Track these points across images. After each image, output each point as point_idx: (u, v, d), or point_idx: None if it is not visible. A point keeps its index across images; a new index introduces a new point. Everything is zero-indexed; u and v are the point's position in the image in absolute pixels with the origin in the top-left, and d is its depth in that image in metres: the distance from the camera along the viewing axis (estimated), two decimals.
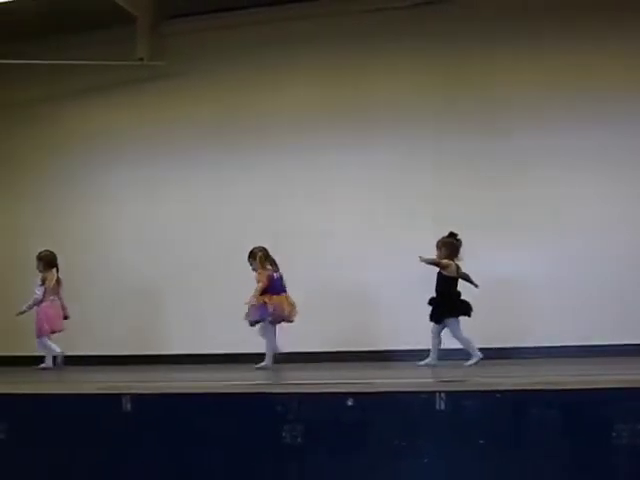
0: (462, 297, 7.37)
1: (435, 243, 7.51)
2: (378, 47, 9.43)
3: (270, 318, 7.71)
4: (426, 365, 7.23)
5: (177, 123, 10.06)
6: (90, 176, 10.51)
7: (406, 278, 8.72)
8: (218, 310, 9.23)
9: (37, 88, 10.71)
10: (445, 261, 7.36)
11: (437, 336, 7.32)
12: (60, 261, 8.84)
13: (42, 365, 8.42)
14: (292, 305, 7.82)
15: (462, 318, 7.31)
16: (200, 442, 4.74)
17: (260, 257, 7.86)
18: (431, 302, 7.37)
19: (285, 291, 7.85)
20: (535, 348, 8.54)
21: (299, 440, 4.58)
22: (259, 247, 7.97)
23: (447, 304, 7.32)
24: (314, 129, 9.57)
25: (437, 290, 7.40)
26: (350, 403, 4.58)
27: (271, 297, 7.74)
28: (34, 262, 8.76)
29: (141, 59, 10.07)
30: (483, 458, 4.44)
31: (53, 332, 8.57)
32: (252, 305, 7.69)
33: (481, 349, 7.25)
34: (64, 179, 10.61)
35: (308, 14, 9.68)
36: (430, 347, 7.35)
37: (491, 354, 7.46)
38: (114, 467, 4.89)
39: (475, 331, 7.34)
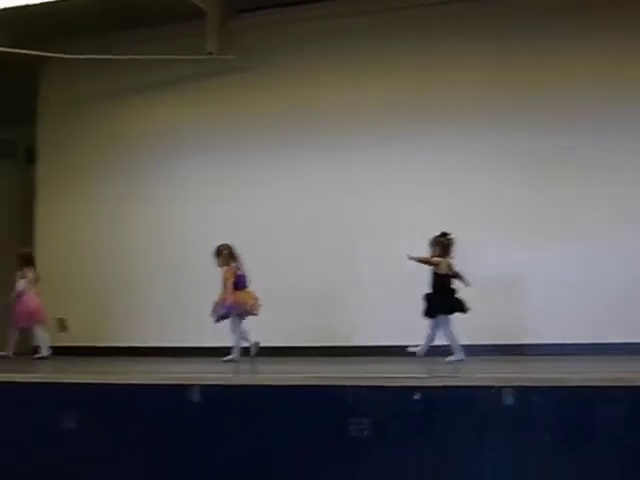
0: (457, 295, 7.56)
1: (429, 241, 7.71)
2: (443, 42, 9.34)
3: (235, 312, 8.06)
4: (414, 351, 7.53)
5: (245, 118, 10.09)
6: (156, 171, 10.61)
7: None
8: (286, 302, 9.26)
9: (106, 83, 10.86)
10: (435, 259, 7.59)
11: (433, 330, 7.54)
12: (123, 257, 9.43)
13: (37, 355, 9.06)
14: (255, 299, 8.14)
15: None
16: (266, 433, 4.78)
17: (225, 255, 8.24)
18: (425, 298, 7.57)
19: (247, 286, 8.21)
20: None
21: (366, 433, 4.58)
22: (225, 245, 8.33)
23: (441, 301, 7.53)
24: (381, 124, 9.53)
25: (432, 287, 7.61)
26: (417, 397, 4.57)
27: (235, 293, 8.10)
28: (97, 258, 9.05)
29: (210, 53, 10.15)
30: (549, 454, 4.39)
31: (38, 323, 9.13)
32: (216, 302, 8.09)
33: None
34: (129, 174, 10.71)
35: (370, 9, 9.62)
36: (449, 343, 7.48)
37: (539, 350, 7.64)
38: (182, 456, 4.95)
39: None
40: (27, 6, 7.90)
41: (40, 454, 5.28)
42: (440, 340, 7.60)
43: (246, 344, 8.11)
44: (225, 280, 8.10)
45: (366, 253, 9.44)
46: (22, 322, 9.12)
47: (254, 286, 8.26)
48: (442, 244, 7.69)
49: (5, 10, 8.18)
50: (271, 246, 9.64)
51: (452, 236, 7.72)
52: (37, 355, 8.81)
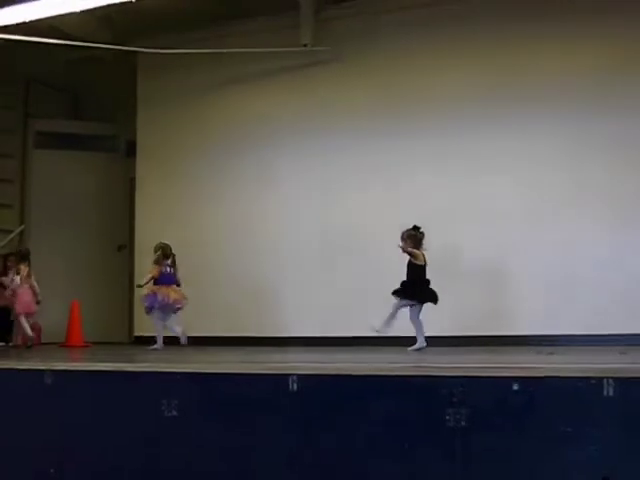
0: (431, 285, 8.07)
1: (400, 235, 8.15)
2: (535, 28, 9.21)
3: (158, 305, 9.15)
4: (377, 331, 7.98)
5: (338, 108, 10.12)
6: (252, 162, 10.73)
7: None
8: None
9: (202, 76, 11.02)
10: (417, 251, 8.09)
11: (420, 322, 8.00)
12: (215, 245, 9.92)
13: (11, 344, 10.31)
14: (180, 295, 9.30)
15: None
16: (363, 423, 4.80)
17: (159, 255, 9.34)
18: (402, 285, 8.05)
19: (174, 283, 9.35)
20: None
21: (463, 423, 4.57)
22: (161, 244, 9.44)
23: (416, 290, 8.03)
24: (474, 114, 9.44)
25: (408, 277, 8.11)
26: (516, 387, 4.53)
27: (160, 288, 9.22)
28: (194, 245, 9.34)
29: (305, 45, 10.20)
30: None
31: (27, 314, 10.09)
32: (145, 294, 9.29)
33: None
34: (224, 164, 10.87)
35: None
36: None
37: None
38: (278, 444, 5.01)
39: None
40: (125, 3, 8.09)
41: (143, 440, 5.40)
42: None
43: (176, 334, 9.10)
44: (148, 274, 9.33)
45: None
46: (21, 310, 10.04)
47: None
48: (415, 237, 8.18)
49: (105, 7, 8.39)
50: (366, 235, 9.65)
51: (423, 229, 8.18)
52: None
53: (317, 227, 10.18)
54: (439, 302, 8.02)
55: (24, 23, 9.20)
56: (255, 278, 10.33)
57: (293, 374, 4.96)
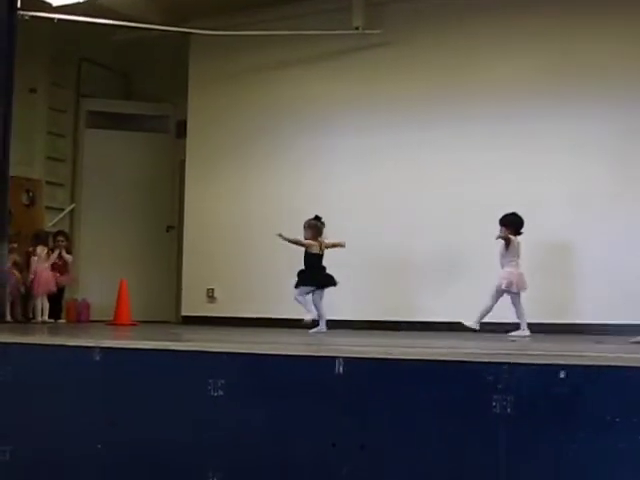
0: (327, 271, 8.63)
1: (303, 224, 8.73)
2: (596, 11, 9.12)
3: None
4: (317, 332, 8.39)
5: (390, 92, 10.10)
6: (302, 145, 10.76)
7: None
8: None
9: (253, 58, 11.10)
10: (307, 242, 8.64)
11: (304, 298, 8.56)
12: (268, 227, 9.75)
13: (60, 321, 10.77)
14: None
15: None
16: (408, 407, 4.80)
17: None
18: (299, 274, 8.59)
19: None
20: None
21: (509, 411, 4.54)
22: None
23: (312, 276, 8.57)
24: (526, 99, 9.36)
25: (304, 265, 8.67)
26: (562, 375, 4.49)
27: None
28: (243, 230, 9.45)
29: (357, 28, 10.18)
30: None
31: (48, 292, 10.53)
32: None
33: None
34: (274, 148, 10.93)
35: None
36: None
37: None
38: (323, 427, 5.02)
39: None
40: None
41: (188, 419, 5.45)
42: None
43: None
44: None
45: None
46: (39, 292, 10.43)
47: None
48: (315, 227, 8.73)
49: None
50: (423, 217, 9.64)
51: (324, 219, 8.71)
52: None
53: (370, 211, 10.17)
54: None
55: (78, 3, 9.31)
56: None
57: (339, 357, 4.96)
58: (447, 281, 9.56)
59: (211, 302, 10.82)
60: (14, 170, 9.31)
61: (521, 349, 5.76)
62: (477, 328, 8.11)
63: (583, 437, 4.42)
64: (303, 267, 8.68)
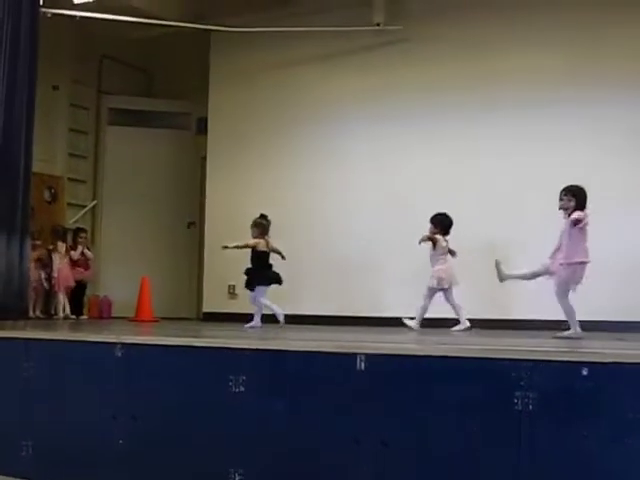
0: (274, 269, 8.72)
1: (251, 223, 8.80)
2: (613, 12, 9.04)
3: None
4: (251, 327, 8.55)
5: (413, 89, 10.07)
6: (322, 141, 10.75)
7: None
8: None
9: (274, 55, 11.06)
10: (252, 242, 8.70)
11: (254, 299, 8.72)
12: (288, 223, 9.89)
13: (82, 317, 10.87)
14: None
15: None
16: (429, 403, 4.79)
17: None
18: (246, 272, 8.68)
19: None
20: None
21: (531, 407, 4.53)
22: None
23: (258, 274, 8.64)
24: (550, 91, 9.30)
25: (251, 263, 8.72)
26: (585, 372, 4.47)
27: None
28: (272, 221, 9.47)
29: (378, 24, 10.15)
30: None
31: (67, 288, 10.63)
32: None
33: None
34: (295, 144, 10.94)
35: None
36: None
37: None
38: (344, 423, 5.02)
39: None
40: None
41: (210, 414, 5.47)
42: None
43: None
44: None
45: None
46: (60, 288, 10.54)
47: None
48: (262, 225, 8.81)
49: None
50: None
51: (270, 218, 8.83)
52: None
53: (389, 210, 10.15)
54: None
55: (99, 1, 9.35)
56: (323, 256, 10.36)
57: (361, 353, 4.96)
58: None
59: (232, 298, 10.83)
60: (36, 167, 9.36)
61: (544, 346, 5.74)
62: (417, 328, 8.22)
63: (605, 434, 4.41)
64: (251, 266, 8.76)
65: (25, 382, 6.14)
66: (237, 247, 8.74)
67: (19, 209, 8.41)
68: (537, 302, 8.19)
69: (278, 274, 8.68)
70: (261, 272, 8.69)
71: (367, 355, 4.94)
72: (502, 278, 7.33)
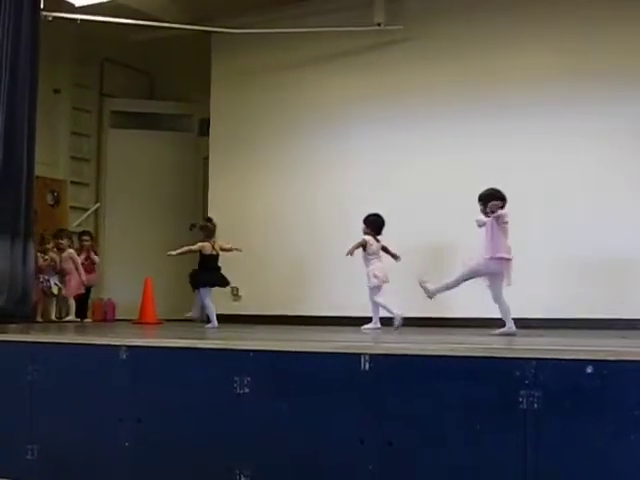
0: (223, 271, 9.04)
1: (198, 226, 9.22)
2: (619, 9, 9.03)
3: None
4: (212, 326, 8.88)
5: (412, 88, 10.06)
6: (321, 142, 10.74)
7: None
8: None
9: (276, 56, 11.06)
10: (196, 246, 9.00)
11: (202, 301, 9.13)
12: (293, 227, 10.13)
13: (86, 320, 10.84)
14: None
15: None
16: (434, 403, 4.79)
17: None
18: (190, 274, 9.04)
19: None
20: None
21: (536, 406, 4.53)
22: None
23: (201, 276, 8.96)
24: (554, 95, 9.29)
25: (198, 265, 9.05)
26: (590, 370, 4.47)
27: None
28: (266, 228, 9.60)
29: (378, 24, 10.15)
30: None
31: (76, 296, 10.65)
32: None
33: None
34: (297, 144, 10.94)
35: None
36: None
37: None
38: (349, 424, 5.02)
39: None
40: None
41: (214, 416, 5.47)
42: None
43: None
44: None
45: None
46: (70, 293, 10.60)
47: None
48: (207, 228, 9.08)
49: None
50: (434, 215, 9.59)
51: (215, 221, 9.15)
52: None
53: (389, 210, 10.12)
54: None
55: (100, 4, 9.35)
56: (326, 255, 10.35)
57: (365, 353, 4.96)
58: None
59: (236, 300, 10.84)
60: (39, 170, 9.38)
61: (548, 345, 5.74)
62: (378, 326, 8.47)
63: (610, 432, 4.40)
64: (197, 268, 9.07)
65: (30, 385, 6.14)
66: (182, 253, 9.01)
67: (22, 213, 8.42)
68: (472, 300, 8.13)
69: (223, 277, 9.02)
70: (204, 274, 8.96)
71: (371, 355, 4.94)
72: (430, 295, 7.41)
